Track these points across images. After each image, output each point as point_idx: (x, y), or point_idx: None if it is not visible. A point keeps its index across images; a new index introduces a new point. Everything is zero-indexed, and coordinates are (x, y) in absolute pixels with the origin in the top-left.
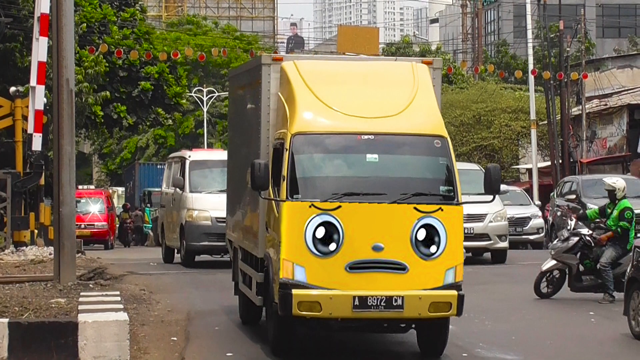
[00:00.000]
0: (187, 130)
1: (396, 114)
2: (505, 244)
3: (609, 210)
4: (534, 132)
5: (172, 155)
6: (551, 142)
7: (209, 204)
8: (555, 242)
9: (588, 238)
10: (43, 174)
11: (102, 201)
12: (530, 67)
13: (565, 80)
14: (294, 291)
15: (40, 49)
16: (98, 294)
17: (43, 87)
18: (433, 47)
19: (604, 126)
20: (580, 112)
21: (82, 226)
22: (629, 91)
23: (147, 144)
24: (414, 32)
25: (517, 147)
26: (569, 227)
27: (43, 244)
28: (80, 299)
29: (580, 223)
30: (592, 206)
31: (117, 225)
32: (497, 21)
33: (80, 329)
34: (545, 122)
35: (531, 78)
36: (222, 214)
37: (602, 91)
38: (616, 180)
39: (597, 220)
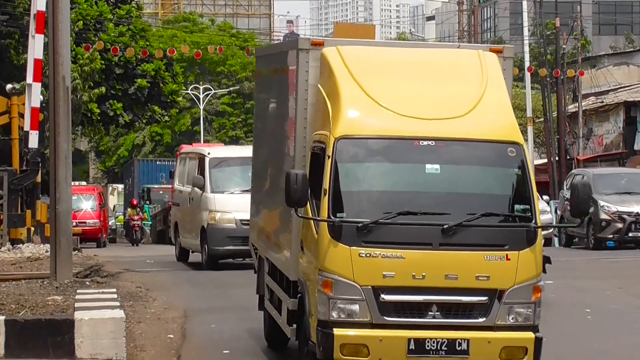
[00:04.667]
0: (183, 128)
1: (462, 115)
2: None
3: None
4: (530, 130)
5: (185, 150)
6: (547, 139)
7: (232, 206)
8: None
9: None
10: (39, 171)
11: (94, 198)
12: (527, 64)
13: (562, 77)
14: (336, 331)
15: (36, 46)
16: (94, 292)
17: (39, 84)
18: None
19: (600, 123)
20: (577, 109)
21: (74, 224)
22: (625, 88)
23: (143, 141)
24: (410, 30)
25: None
26: None
27: (39, 242)
28: (77, 297)
29: None
30: (605, 204)
31: (124, 223)
32: (494, 18)
33: (77, 326)
34: (542, 119)
35: (527, 75)
36: (247, 215)
37: (599, 88)
38: None
39: None
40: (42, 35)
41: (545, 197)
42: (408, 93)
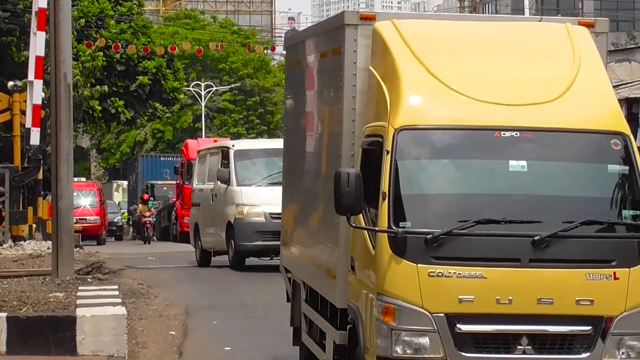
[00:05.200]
0: (185, 125)
1: (552, 100)
2: None
3: None
4: None
5: (205, 146)
6: None
7: (260, 198)
8: None
9: None
10: (41, 168)
11: (94, 194)
12: None
13: None
14: None
15: (37, 43)
16: (96, 288)
17: (41, 81)
18: None
19: None
20: None
21: (74, 221)
22: (627, 85)
23: (145, 138)
24: None
25: None
26: None
27: (41, 238)
28: (79, 293)
29: None
30: None
31: (133, 220)
32: (495, 7)
33: (79, 323)
34: None
35: None
36: (276, 209)
37: None
38: None
39: None
40: (44, 33)
41: None
42: (484, 74)
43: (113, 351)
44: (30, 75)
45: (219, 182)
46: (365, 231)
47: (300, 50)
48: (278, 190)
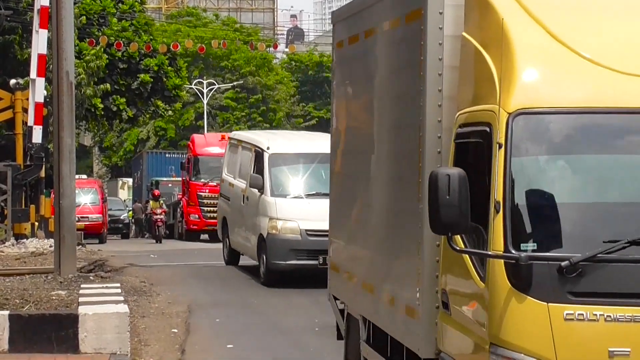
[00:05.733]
0: (187, 122)
1: None
2: None
3: None
4: None
5: (236, 136)
6: None
7: (296, 212)
8: None
9: None
10: (43, 166)
11: (96, 192)
12: None
13: None
14: None
15: (40, 41)
16: (98, 286)
17: (43, 79)
18: None
19: None
20: None
21: (76, 219)
22: None
23: (147, 136)
24: None
25: None
26: None
27: (43, 236)
28: (81, 291)
29: None
30: None
31: (136, 218)
32: None
33: (81, 321)
34: None
35: None
36: (314, 224)
37: None
38: None
39: None
40: (46, 31)
41: None
42: (626, 37)
43: (115, 349)
44: (33, 73)
45: (251, 187)
46: (467, 256)
47: (355, 23)
48: (316, 203)
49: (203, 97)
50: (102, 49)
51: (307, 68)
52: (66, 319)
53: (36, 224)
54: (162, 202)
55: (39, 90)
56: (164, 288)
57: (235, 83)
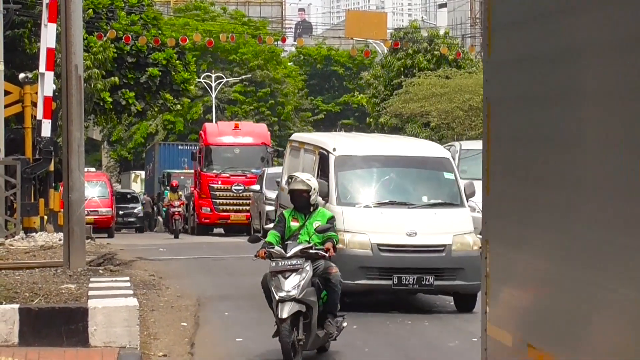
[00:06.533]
0: (195, 116)
1: None
2: None
3: None
4: None
5: (297, 137)
6: None
7: (367, 224)
8: None
9: None
10: (52, 160)
11: (105, 184)
12: None
13: None
14: None
15: (49, 35)
16: (108, 280)
17: (52, 73)
18: (441, 32)
19: None
20: None
21: (86, 212)
22: None
23: (156, 129)
24: (422, 17)
25: None
26: None
27: (53, 230)
28: (90, 285)
29: None
30: None
31: (156, 210)
32: None
33: (91, 314)
34: None
35: None
36: (387, 238)
37: None
38: None
39: None
40: (55, 24)
41: None
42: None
43: (125, 342)
44: (42, 67)
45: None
46: None
47: None
48: (390, 213)
49: (211, 91)
50: (109, 41)
51: (316, 61)
52: (76, 312)
53: (45, 217)
54: (180, 193)
55: (47, 84)
56: (173, 281)
57: (243, 77)
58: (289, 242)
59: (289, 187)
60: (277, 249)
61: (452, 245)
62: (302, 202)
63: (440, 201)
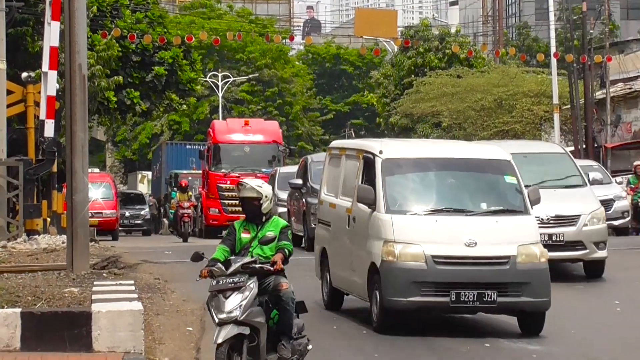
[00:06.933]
0: (201, 116)
1: None
2: (604, 253)
3: None
4: (556, 117)
5: (338, 144)
6: (574, 126)
7: (420, 233)
8: None
9: None
10: (55, 161)
11: (109, 186)
12: (553, 50)
13: (589, 63)
14: None
15: (52, 33)
16: (112, 283)
17: (55, 72)
18: (453, 30)
19: (628, 110)
20: (605, 95)
21: (89, 214)
22: None
23: (161, 130)
24: (433, 15)
25: (539, 132)
26: None
27: (56, 233)
28: (94, 288)
29: None
30: None
31: (171, 211)
32: (518, 3)
33: (94, 318)
34: (569, 106)
35: (553, 61)
36: (443, 249)
37: (627, 74)
38: None
39: None
40: (58, 23)
41: (620, 180)
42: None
43: (129, 347)
44: (45, 66)
45: (359, 203)
46: None
47: None
48: (445, 221)
49: (218, 90)
50: (113, 39)
51: (324, 60)
52: (79, 316)
53: (48, 219)
54: (190, 194)
55: (51, 84)
56: (179, 285)
57: (250, 76)
58: (232, 257)
59: (239, 194)
60: (219, 265)
61: (516, 257)
62: (253, 211)
63: (501, 208)
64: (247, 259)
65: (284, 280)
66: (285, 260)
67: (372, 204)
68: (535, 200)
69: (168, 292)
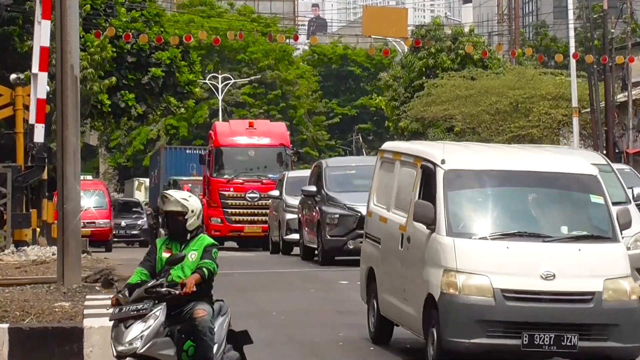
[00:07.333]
0: (200, 120)
1: None
2: None
3: None
4: (576, 121)
5: (391, 147)
6: (594, 131)
7: (487, 262)
8: None
9: None
10: (46, 167)
11: (103, 194)
12: (572, 50)
13: (610, 64)
14: None
15: (42, 33)
16: (105, 297)
17: (46, 74)
18: (466, 29)
19: None
20: (626, 98)
21: (82, 224)
22: None
23: (158, 135)
24: (446, 13)
25: (558, 137)
26: None
27: (46, 244)
28: (86, 303)
29: None
30: None
31: (149, 224)
32: (536, 1)
33: (86, 334)
34: (588, 109)
35: (573, 62)
36: (515, 281)
37: None
38: None
39: None
40: (49, 21)
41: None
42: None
43: None
44: (35, 68)
45: (416, 221)
46: None
47: None
48: (518, 248)
49: (218, 93)
50: (107, 39)
51: (330, 61)
52: (70, 332)
53: (38, 230)
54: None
55: (41, 86)
56: None
57: (252, 78)
58: (152, 281)
59: (162, 207)
60: (124, 292)
61: (602, 293)
62: (177, 228)
63: (585, 233)
64: (152, 282)
65: (200, 307)
66: (204, 282)
67: (431, 224)
68: (626, 224)
69: None
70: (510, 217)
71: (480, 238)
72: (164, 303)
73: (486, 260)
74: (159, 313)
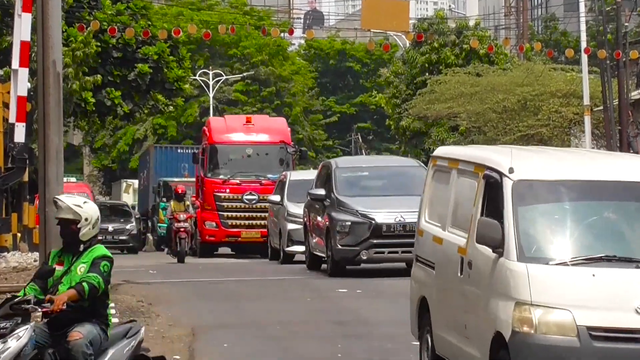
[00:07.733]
0: (190, 119)
1: None
2: None
3: None
4: (587, 119)
5: (445, 153)
6: (607, 130)
7: (570, 293)
8: None
9: None
10: (27, 169)
11: (87, 197)
12: (583, 45)
13: (624, 59)
14: None
15: (23, 26)
16: None
17: (26, 70)
18: (471, 23)
19: None
20: None
21: None
22: None
23: (145, 134)
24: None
25: (568, 137)
26: None
27: (27, 249)
28: None
29: None
30: None
31: (161, 225)
32: None
33: None
34: (601, 107)
35: (584, 57)
36: (603, 317)
37: None
38: None
39: None
40: (30, 15)
41: None
42: None
43: None
44: (15, 63)
45: (478, 243)
46: None
47: None
48: (606, 275)
49: (209, 90)
50: (91, 34)
51: (328, 56)
52: None
53: (19, 235)
54: (187, 203)
55: (21, 83)
56: (164, 308)
57: (245, 74)
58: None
59: (55, 214)
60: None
61: None
62: (68, 237)
63: None
64: (18, 298)
65: (78, 329)
66: (83, 299)
67: (498, 247)
68: None
69: (153, 316)
70: (595, 238)
71: (559, 264)
72: (32, 323)
73: (568, 291)
74: (22, 334)
